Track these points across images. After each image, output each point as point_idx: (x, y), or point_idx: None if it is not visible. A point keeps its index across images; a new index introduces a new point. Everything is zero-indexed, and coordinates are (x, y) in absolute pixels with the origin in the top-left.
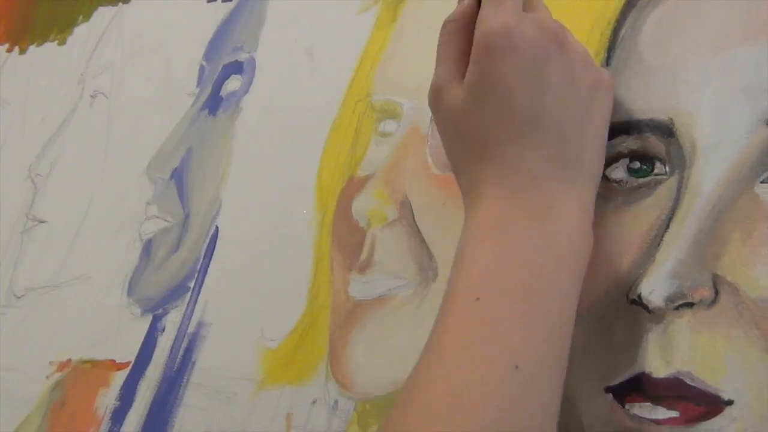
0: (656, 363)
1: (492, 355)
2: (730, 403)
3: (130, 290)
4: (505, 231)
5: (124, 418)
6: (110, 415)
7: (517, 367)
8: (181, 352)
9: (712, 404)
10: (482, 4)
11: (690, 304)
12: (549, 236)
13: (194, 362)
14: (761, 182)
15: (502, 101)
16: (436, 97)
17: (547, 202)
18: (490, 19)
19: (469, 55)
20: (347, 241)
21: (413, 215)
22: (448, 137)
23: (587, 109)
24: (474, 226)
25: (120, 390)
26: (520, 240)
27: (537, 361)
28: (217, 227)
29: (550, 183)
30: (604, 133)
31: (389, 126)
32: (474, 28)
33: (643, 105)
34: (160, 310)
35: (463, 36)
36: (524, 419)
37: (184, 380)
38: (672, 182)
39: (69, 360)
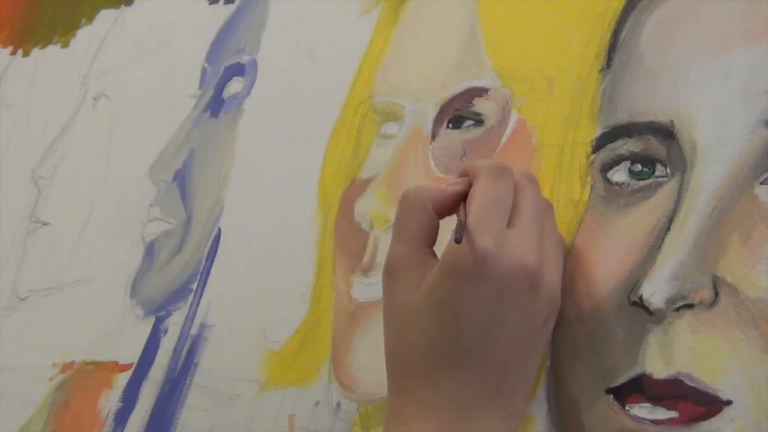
0: (656, 364)
1: None
2: (728, 403)
3: (133, 292)
4: None
5: (127, 419)
6: (113, 416)
7: None
8: (184, 353)
9: (711, 404)
10: (467, 212)
11: (690, 306)
12: None
13: (197, 364)
14: (761, 183)
15: (453, 324)
16: (389, 279)
17: None
18: (470, 240)
19: (428, 232)
20: (350, 243)
21: None
22: (389, 329)
23: (538, 341)
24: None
25: (123, 391)
26: None
27: None
28: (219, 229)
29: (480, 412)
30: (544, 354)
31: (391, 128)
32: (435, 207)
33: (644, 107)
34: (163, 312)
35: (421, 212)
36: None
37: (187, 382)
38: (673, 184)
39: (72, 362)
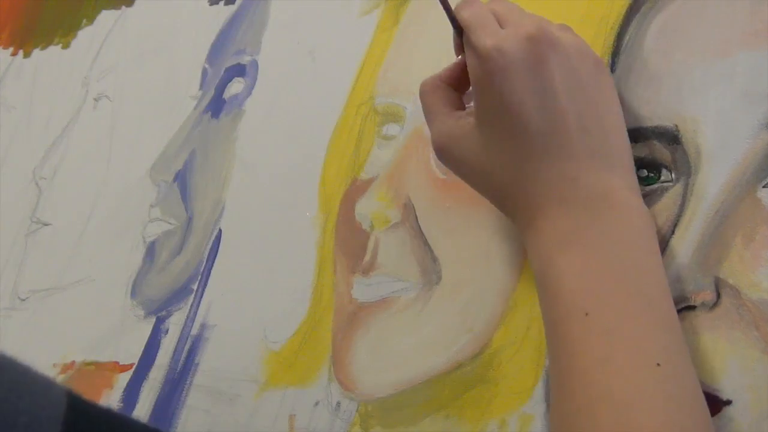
0: None
1: (631, 362)
2: (728, 403)
3: (134, 292)
4: (576, 243)
5: None
6: None
7: (658, 364)
8: (184, 354)
9: (711, 404)
10: (464, 36)
11: (692, 307)
12: (619, 233)
13: (197, 364)
14: (763, 187)
15: (518, 118)
16: (445, 150)
17: (600, 198)
18: (477, 47)
19: (455, 106)
20: (350, 243)
21: (416, 218)
22: (477, 178)
23: (597, 95)
24: (543, 245)
25: (123, 392)
26: (595, 246)
27: (669, 352)
28: (220, 230)
29: (592, 178)
30: (619, 109)
31: (392, 129)
32: (443, 79)
33: (649, 112)
34: (164, 312)
35: (444, 89)
36: (689, 414)
37: (188, 382)
38: (678, 189)
39: (73, 362)
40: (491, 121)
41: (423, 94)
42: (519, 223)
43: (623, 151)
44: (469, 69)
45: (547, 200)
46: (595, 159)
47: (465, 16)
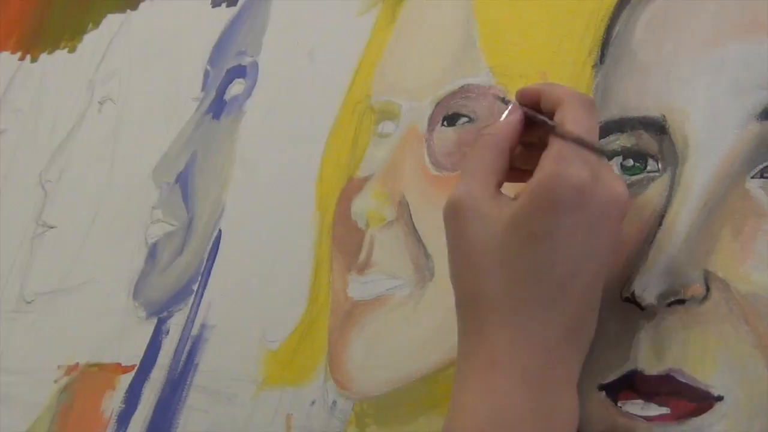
0: (648, 360)
1: None
2: (720, 399)
3: (136, 294)
4: (504, 407)
5: (129, 420)
6: (116, 417)
7: None
8: (185, 354)
9: (702, 400)
10: (558, 147)
11: (682, 301)
12: (547, 412)
13: (197, 364)
14: (752, 177)
15: (547, 257)
16: (459, 217)
17: (552, 378)
18: (565, 168)
19: (500, 173)
20: (346, 241)
21: (411, 215)
22: (463, 271)
23: (604, 274)
24: (467, 364)
25: (125, 393)
26: (518, 414)
27: None
28: (220, 230)
29: (563, 354)
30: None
31: (387, 127)
32: (511, 146)
33: (636, 102)
34: (165, 313)
35: (497, 153)
36: None
37: (188, 382)
38: (665, 179)
39: (77, 364)
40: (524, 233)
41: (482, 146)
42: (465, 327)
43: (592, 331)
44: (542, 178)
45: (506, 351)
46: (574, 337)
47: (571, 129)
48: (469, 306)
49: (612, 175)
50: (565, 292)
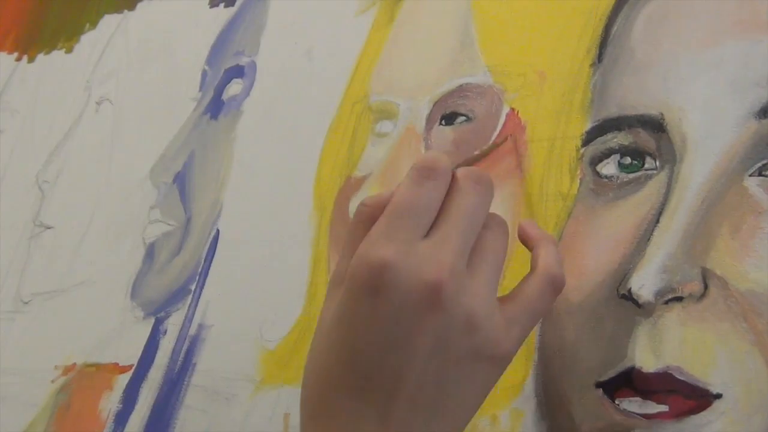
0: (646, 357)
1: None
2: (718, 396)
3: (134, 294)
4: None
5: (127, 420)
6: (113, 417)
7: None
8: (182, 354)
9: (701, 398)
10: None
11: (679, 299)
12: None
13: (195, 364)
14: (750, 175)
15: (351, 346)
16: (327, 296)
17: None
18: (370, 246)
19: None
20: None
21: None
22: (310, 350)
23: (463, 379)
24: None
25: (123, 393)
26: None
27: None
28: (217, 230)
29: None
30: (478, 406)
31: (385, 126)
32: None
33: (634, 100)
34: (162, 313)
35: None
36: None
37: (185, 382)
38: (662, 177)
39: (74, 364)
40: (335, 321)
41: (354, 222)
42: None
43: None
44: (353, 258)
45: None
46: None
47: (390, 207)
48: (302, 388)
49: (433, 261)
50: (374, 385)
